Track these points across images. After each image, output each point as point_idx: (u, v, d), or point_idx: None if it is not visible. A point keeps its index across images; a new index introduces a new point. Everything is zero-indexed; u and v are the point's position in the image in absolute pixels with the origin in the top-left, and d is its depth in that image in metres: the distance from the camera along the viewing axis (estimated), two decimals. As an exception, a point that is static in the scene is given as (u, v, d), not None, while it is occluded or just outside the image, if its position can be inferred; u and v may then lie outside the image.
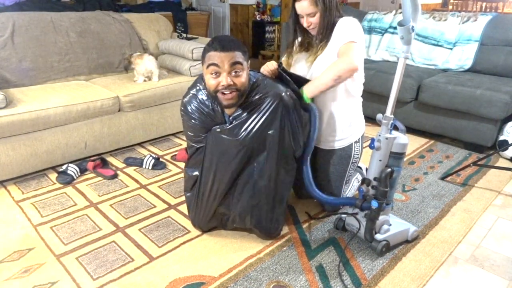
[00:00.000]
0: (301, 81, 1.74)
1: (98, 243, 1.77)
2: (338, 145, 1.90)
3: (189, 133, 1.72)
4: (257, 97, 1.59)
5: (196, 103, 1.65)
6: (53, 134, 2.32)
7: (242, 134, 1.59)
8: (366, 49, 3.72)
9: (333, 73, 1.63)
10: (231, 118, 1.62)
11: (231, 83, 1.49)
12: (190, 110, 1.66)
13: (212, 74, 1.50)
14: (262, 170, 1.64)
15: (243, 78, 1.52)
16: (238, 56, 1.49)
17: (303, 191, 2.08)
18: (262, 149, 1.61)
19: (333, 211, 1.99)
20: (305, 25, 1.77)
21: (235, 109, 1.60)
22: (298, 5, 1.74)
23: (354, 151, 1.92)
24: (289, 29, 1.89)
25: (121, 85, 2.74)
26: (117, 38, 3.15)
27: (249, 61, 1.59)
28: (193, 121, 1.66)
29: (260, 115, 1.58)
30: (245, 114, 1.59)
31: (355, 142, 1.92)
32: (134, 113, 2.68)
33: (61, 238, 1.80)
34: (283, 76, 1.71)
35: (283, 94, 1.58)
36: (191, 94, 1.68)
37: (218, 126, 1.63)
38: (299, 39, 1.91)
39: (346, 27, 1.73)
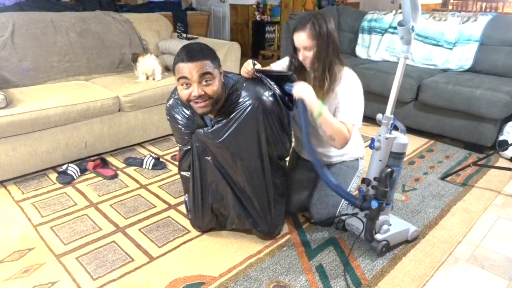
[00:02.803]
0: (283, 77, 1.67)
1: (98, 243, 1.77)
2: (347, 158, 1.94)
3: (176, 136, 1.73)
4: (237, 100, 1.57)
5: (179, 107, 1.65)
6: (53, 134, 2.32)
7: (223, 137, 1.57)
8: (366, 49, 3.72)
9: (337, 136, 1.63)
10: (212, 121, 1.61)
11: (202, 93, 1.46)
12: (174, 114, 1.67)
13: (183, 85, 1.48)
14: (248, 172, 1.63)
15: (214, 86, 1.48)
16: (207, 65, 1.45)
17: (293, 203, 1.94)
18: (245, 152, 1.60)
19: (327, 224, 1.88)
20: (300, 58, 1.72)
21: (216, 112, 1.59)
22: (296, 37, 1.69)
23: (360, 166, 1.97)
24: (293, 63, 1.82)
25: (121, 85, 2.74)
26: (117, 38, 3.15)
27: (221, 67, 1.54)
28: (177, 125, 1.67)
29: (241, 117, 1.56)
30: (225, 116, 1.58)
31: (360, 158, 1.98)
32: (134, 113, 2.68)
33: (61, 238, 1.80)
34: (262, 77, 1.64)
35: (263, 96, 1.56)
36: (173, 98, 1.68)
37: (201, 129, 1.63)
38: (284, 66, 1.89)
39: (352, 102, 1.70)
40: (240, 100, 1.56)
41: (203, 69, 1.44)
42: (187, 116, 1.64)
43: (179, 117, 1.66)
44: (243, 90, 1.58)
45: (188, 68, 1.43)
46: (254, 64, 1.62)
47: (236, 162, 1.62)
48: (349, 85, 1.72)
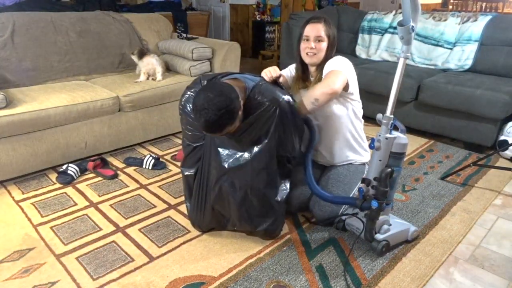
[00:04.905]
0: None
1: (98, 243, 1.77)
2: (354, 159, 1.98)
3: (187, 132, 1.73)
4: (256, 101, 1.59)
5: None
6: (53, 134, 2.32)
7: (238, 134, 1.59)
8: (366, 49, 3.72)
9: (311, 96, 1.67)
10: None
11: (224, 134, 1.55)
12: (188, 110, 1.67)
13: None
14: (256, 172, 1.63)
15: (234, 127, 1.51)
16: (227, 129, 1.46)
17: (293, 204, 1.94)
18: (256, 151, 1.61)
19: (328, 224, 1.89)
20: (310, 46, 1.79)
21: None
22: (310, 26, 1.80)
23: (366, 171, 1.97)
24: (297, 63, 1.95)
25: (121, 85, 2.74)
26: (117, 38, 3.15)
27: (240, 112, 1.51)
28: (191, 120, 1.67)
29: (258, 118, 1.58)
30: (244, 116, 1.58)
31: (367, 163, 2.02)
32: (134, 113, 2.68)
33: (61, 238, 1.80)
34: (281, 84, 1.73)
35: (281, 99, 1.60)
36: (188, 94, 1.69)
37: None
38: (292, 72, 1.99)
39: (335, 62, 1.79)
40: (259, 102, 1.59)
41: (224, 133, 1.49)
42: None
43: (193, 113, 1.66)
44: (263, 92, 1.61)
45: (209, 134, 1.55)
46: (279, 75, 1.71)
47: (245, 161, 1.62)
48: (333, 59, 1.82)
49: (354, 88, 1.84)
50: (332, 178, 1.91)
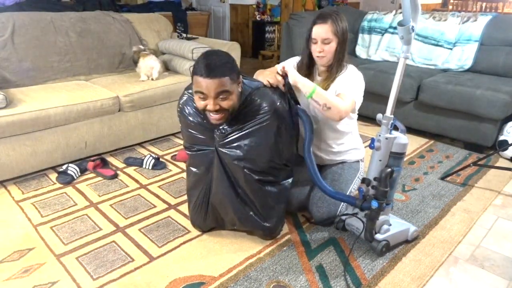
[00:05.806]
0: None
1: (98, 243, 1.77)
2: (348, 158, 1.98)
3: (186, 133, 1.73)
4: (253, 107, 1.59)
5: (193, 104, 1.65)
6: (53, 134, 2.32)
7: (237, 141, 1.60)
8: (366, 49, 3.72)
9: (332, 104, 1.65)
10: (226, 124, 1.62)
11: (218, 107, 1.47)
12: (187, 112, 1.67)
13: (199, 97, 1.48)
14: (254, 176, 1.63)
15: (231, 100, 1.48)
16: (226, 82, 1.43)
17: (293, 203, 1.94)
18: (255, 156, 1.61)
19: (328, 224, 1.88)
20: (318, 50, 1.78)
21: (232, 117, 1.60)
22: (316, 28, 1.77)
23: (361, 168, 2.00)
24: (303, 60, 1.91)
25: (121, 85, 2.74)
26: (117, 38, 3.15)
27: (240, 78, 1.52)
28: (189, 122, 1.67)
29: (255, 123, 1.58)
30: (241, 121, 1.59)
31: (361, 160, 2.03)
32: (134, 113, 2.68)
33: (61, 238, 1.80)
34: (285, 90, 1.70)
35: (278, 104, 1.60)
36: (187, 95, 1.69)
37: (216, 130, 1.63)
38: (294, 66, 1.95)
39: (354, 83, 1.80)
40: (256, 108, 1.58)
41: (221, 87, 1.43)
42: (201, 115, 1.63)
43: (192, 114, 1.65)
44: (260, 98, 1.60)
45: (206, 83, 1.42)
46: (285, 74, 1.66)
47: (246, 162, 1.62)
48: (349, 74, 1.83)
49: (358, 106, 1.86)
50: (328, 178, 1.92)
